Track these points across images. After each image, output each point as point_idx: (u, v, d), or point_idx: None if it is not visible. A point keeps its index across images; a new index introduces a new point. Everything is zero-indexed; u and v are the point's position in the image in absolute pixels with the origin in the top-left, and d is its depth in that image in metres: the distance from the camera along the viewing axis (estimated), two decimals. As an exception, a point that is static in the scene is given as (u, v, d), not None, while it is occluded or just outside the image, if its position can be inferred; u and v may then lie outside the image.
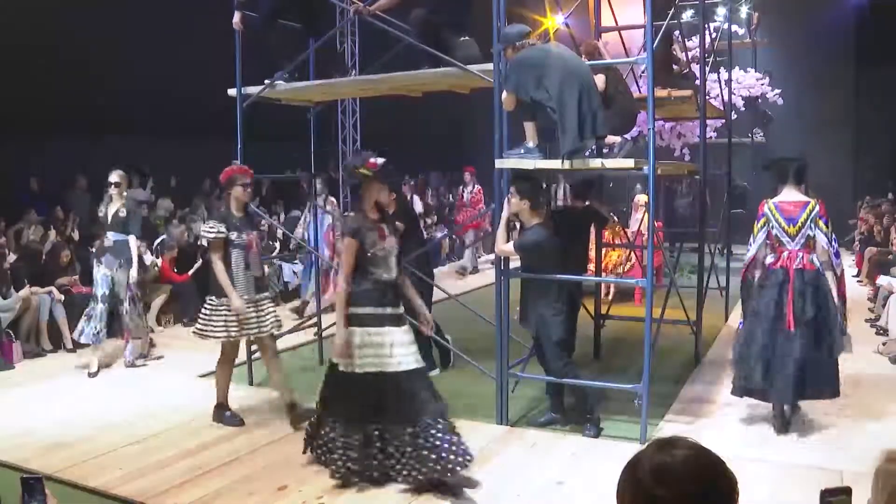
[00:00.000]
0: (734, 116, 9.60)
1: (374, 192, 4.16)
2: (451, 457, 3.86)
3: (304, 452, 4.33)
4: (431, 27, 5.24)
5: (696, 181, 7.19)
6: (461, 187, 12.81)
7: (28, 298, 7.07)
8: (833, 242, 4.92)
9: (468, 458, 3.94)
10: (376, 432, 3.99)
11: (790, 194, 4.85)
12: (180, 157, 11.46)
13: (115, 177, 6.59)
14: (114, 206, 6.55)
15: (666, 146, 9.77)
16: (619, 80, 5.64)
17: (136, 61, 9.83)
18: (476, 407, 5.25)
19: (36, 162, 10.17)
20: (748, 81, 11.25)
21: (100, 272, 6.48)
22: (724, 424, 5.01)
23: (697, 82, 6.72)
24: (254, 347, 5.83)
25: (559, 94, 4.40)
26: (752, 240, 5.00)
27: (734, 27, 10.37)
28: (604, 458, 4.35)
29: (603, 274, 7.73)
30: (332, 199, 9.40)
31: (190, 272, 8.69)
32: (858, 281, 10.07)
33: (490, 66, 4.93)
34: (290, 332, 6.48)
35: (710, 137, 9.17)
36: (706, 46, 7.20)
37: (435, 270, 7.58)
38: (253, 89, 6.05)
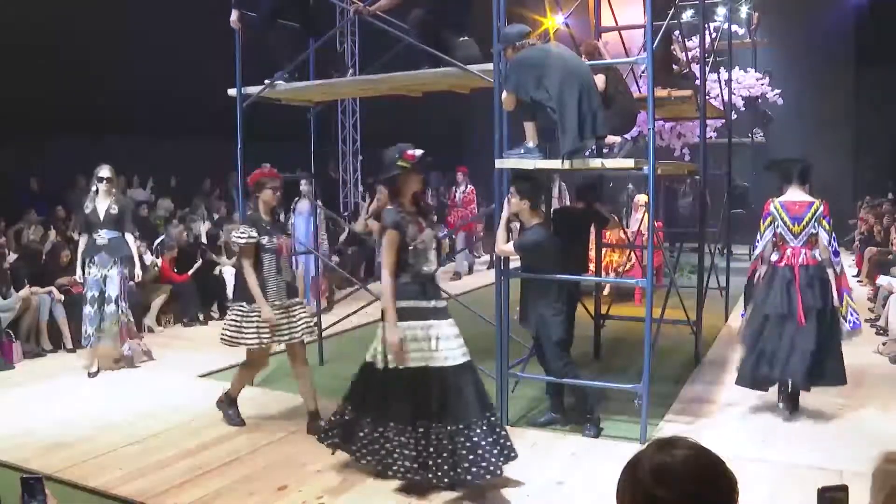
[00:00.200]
0: (734, 116, 9.59)
1: (412, 184, 4.10)
2: (489, 459, 3.77)
3: (323, 444, 4.24)
4: (431, 27, 5.24)
5: (696, 181, 7.19)
6: (453, 187, 12.54)
7: (28, 298, 7.05)
8: (833, 241, 5.04)
9: (502, 460, 3.87)
10: (421, 430, 3.85)
11: (795, 194, 5.05)
12: (180, 157, 11.45)
13: (105, 171, 6.40)
14: (104, 203, 6.38)
15: (666, 146, 9.76)
16: (619, 80, 5.64)
17: (136, 61, 9.84)
18: (476, 407, 5.24)
19: (36, 162, 10.17)
20: (748, 81, 11.23)
21: (91, 273, 6.33)
22: (724, 424, 5.02)
23: (697, 82, 6.72)
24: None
25: (559, 94, 4.40)
26: (758, 237, 5.16)
27: (734, 27, 10.36)
28: (604, 458, 4.35)
29: (603, 274, 7.73)
30: (306, 202, 8.79)
31: (190, 272, 8.69)
32: (858, 281, 10.06)
33: (490, 66, 4.94)
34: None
35: (710, 137, 9.17)
36: (706, 46, 7.20)
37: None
38: (253, 89, 6.05)
